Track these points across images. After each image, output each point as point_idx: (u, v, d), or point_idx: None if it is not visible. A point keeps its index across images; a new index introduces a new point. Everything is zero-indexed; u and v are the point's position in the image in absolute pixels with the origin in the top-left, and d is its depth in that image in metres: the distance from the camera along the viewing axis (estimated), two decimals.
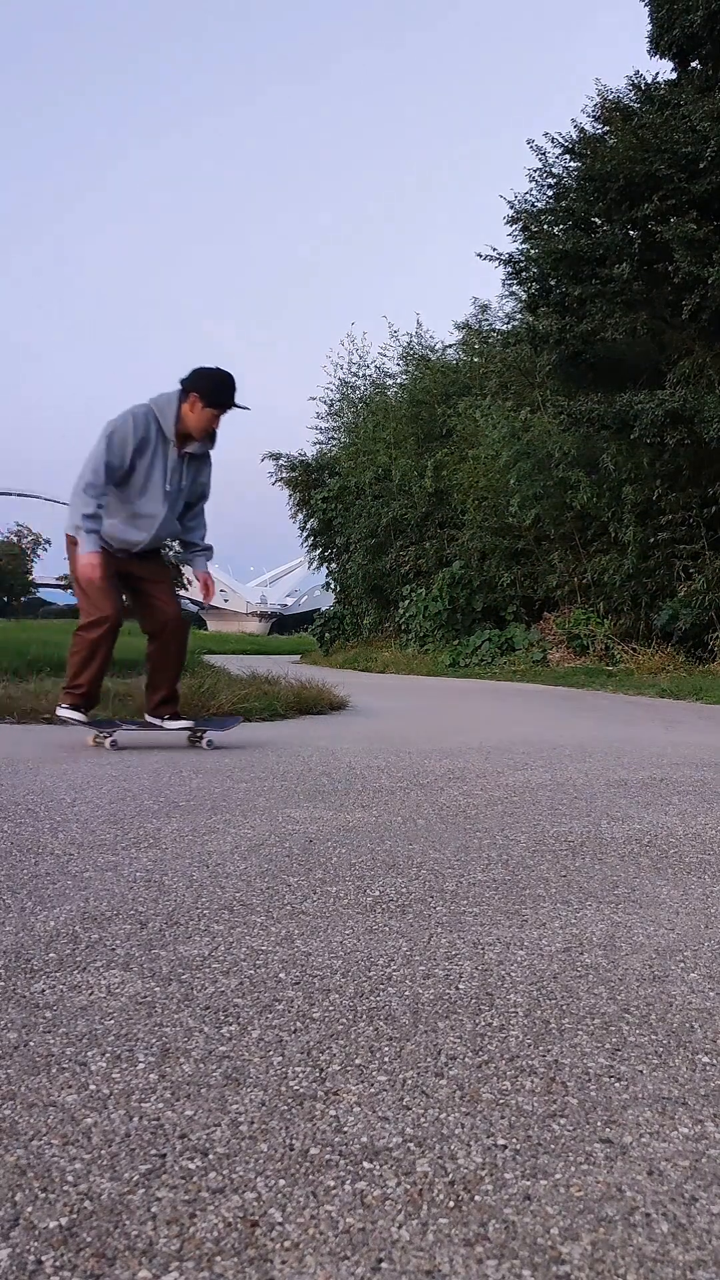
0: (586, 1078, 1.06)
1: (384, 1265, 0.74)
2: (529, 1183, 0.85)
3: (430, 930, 1.57)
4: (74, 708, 3.78)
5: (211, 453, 3.90)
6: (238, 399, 3.73)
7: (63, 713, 3.81)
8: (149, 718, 3.96)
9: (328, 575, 22.89)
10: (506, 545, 14.79)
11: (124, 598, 3.86)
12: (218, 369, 3.72)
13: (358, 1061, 1.08)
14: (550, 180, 11.82)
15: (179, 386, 3.68)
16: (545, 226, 11.75)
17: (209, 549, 4.02)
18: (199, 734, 3.94)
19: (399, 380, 20.76)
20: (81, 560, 3.57)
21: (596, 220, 11.36)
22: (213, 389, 3.62)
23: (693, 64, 11.84)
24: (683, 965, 1.43)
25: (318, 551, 22.83)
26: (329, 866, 1.99)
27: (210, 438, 3.77)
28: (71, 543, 3.70)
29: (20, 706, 4.84)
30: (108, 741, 3.76)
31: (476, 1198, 0.83)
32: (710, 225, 10.18)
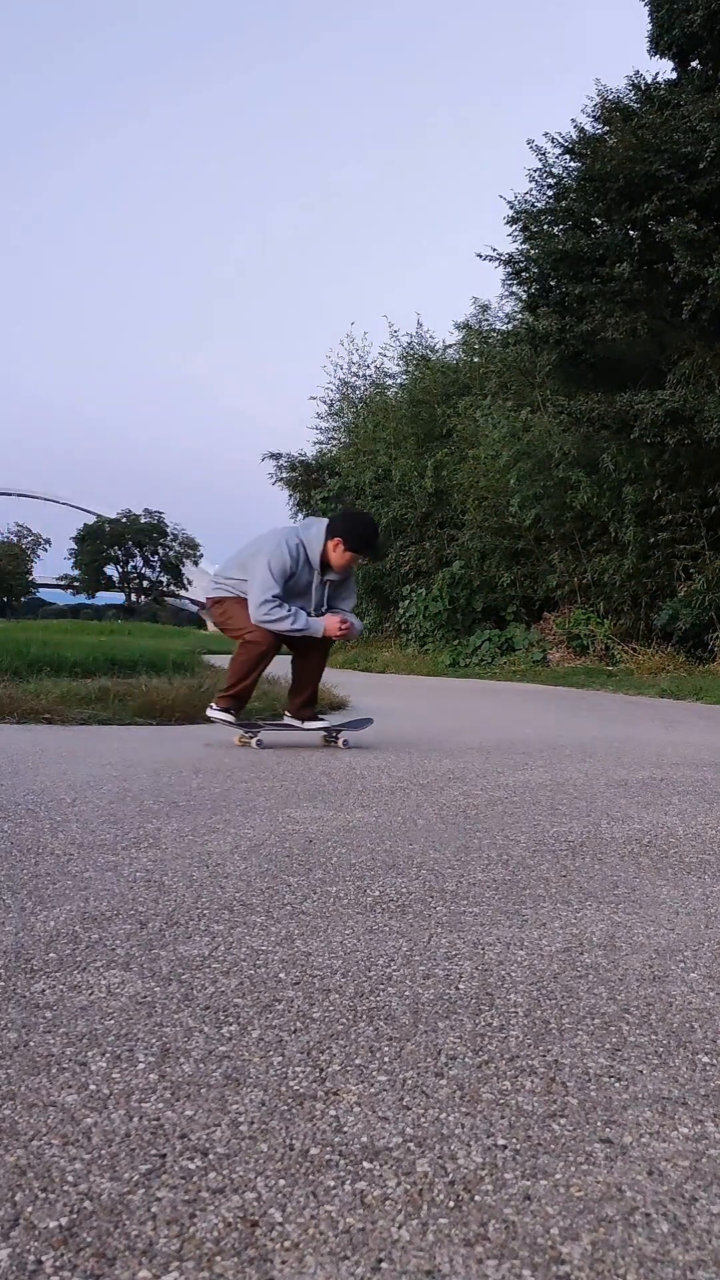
0: (586, 1078, 1.06)
1: (384, 1265, 0.74)
2: (529, 1183, 0.85)
3: (430, 930, 1.57)
4: (226, 710, 4.18)
5: (354, 570, 4.38)
6: (376, 545, 4.31)
7: (213, 713, 4.21)
8: (289, 719, 4.36)
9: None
10: (506, 545, 14.79)
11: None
12: (364, 519, 4.33)
13: (358, 1061, 1.08)
14: (550, 180, 11.82)
15: (327, 521, 4.17)
16: (545, 226, 11.74)
17: (357, 621, 4.35)
18: (334, 733, 4.27)
19: (399, 380, 20.77)
20: (331, 630, 4.09)
21: (596, 220, 11.36)
22: (356, 539, 4.09)
23: (693, 64, 11.85)
24: (683, 965, 1.43)
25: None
26: (329, 866, 1.99)
27: (347, 572, 4.25)
28: (215, 601, 4.27)
29: (20, 706, 4.84)
30: (253, 741, 4.12)
31: (476, 1198, 0.83)
32: (710, 225, 10.18)
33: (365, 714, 4.98)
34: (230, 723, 4.18)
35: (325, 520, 4.19)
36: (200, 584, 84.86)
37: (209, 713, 4.24)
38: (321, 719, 4.39)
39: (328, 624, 4.07)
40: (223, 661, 11.43)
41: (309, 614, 4.09)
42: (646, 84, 11.63)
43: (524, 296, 12.90)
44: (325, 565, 4.12)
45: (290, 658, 4.40)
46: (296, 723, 4.33)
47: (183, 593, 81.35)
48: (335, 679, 8.15)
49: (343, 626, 4.10)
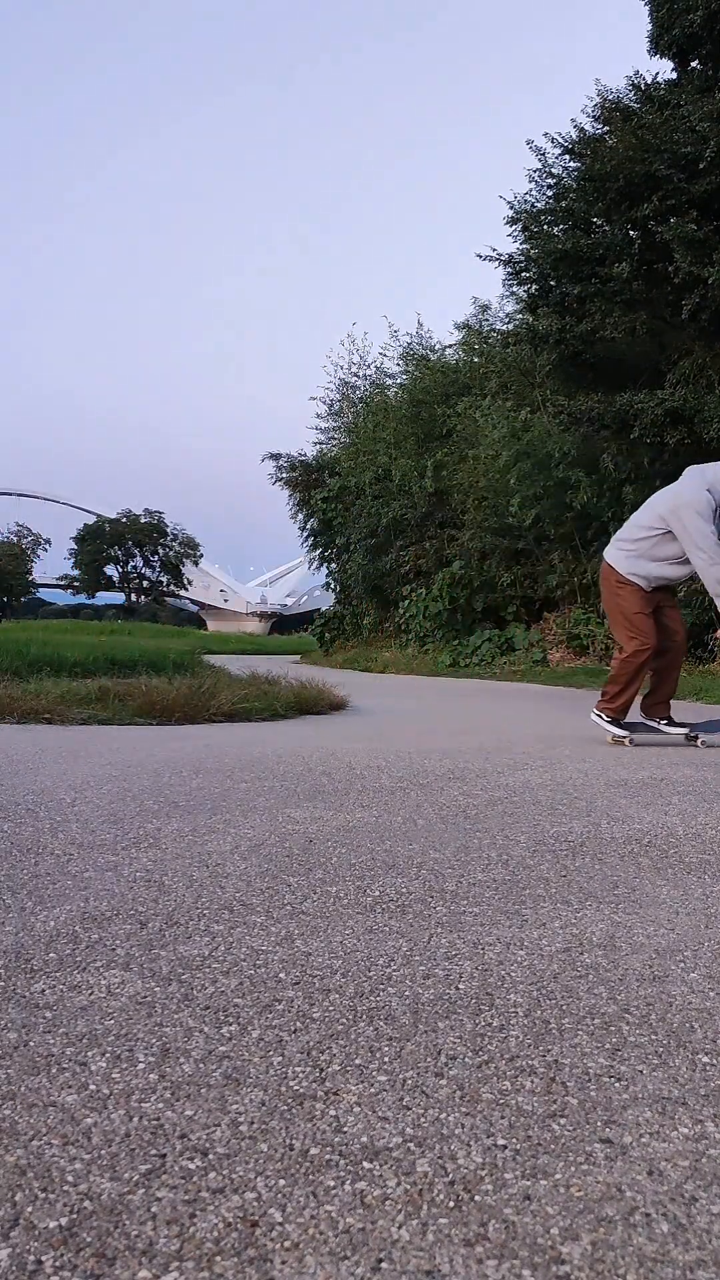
0: (586, 1078, 1.06)
1: (384, 1265, 0.74)
2: (529, 1183, 0.85)
3: (430, 930, 1.57)
4: (614, 721, 4.32)
5: None
6: None
7: (606, 725, 4.34)
8: (646, 719, 4.45)
9: (328, 575, 22.89)
10: (506, 545, 14.79)
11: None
12: None
13: (358, 1061, 1.08)
14: (550, 180, 11.82)
15: None
16: (545, 226, 11.74)
17: None
18: (694, 735, 4.33)
19: (399, 380, 20.76)
20: None
21: (596, 220, 11.36)
22: None
23: (693, 64, 11.84)
24: (683, 965, 1.43)
25: (318, 551, 22.82)
26: (329, 866, 1.99)
27: None
28: (615, 577, 4.26)
29: (20, 706, 4.84)
30: (627, 740, 4.28)
31: (476, 1198, 0.83)
32: (710, 225, 10.18)
33: (365, 714, 4.99)
34: (624, 739, 4.28)
35: None
36: (200, 584, 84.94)
37: (598, 722, 4.34)
38: (675, 721, 4.41)
39: None
40: (223, 661, 11.44)
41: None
42: (646, 84, 11.62)
43: (524, 296, 12.90)
44: None
45: (658, 661, 4.38)
46: (653, 723, 4.40)
47: (183, 593, 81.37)
48: (335, 679, 8.15)
49: None
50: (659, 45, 11.81)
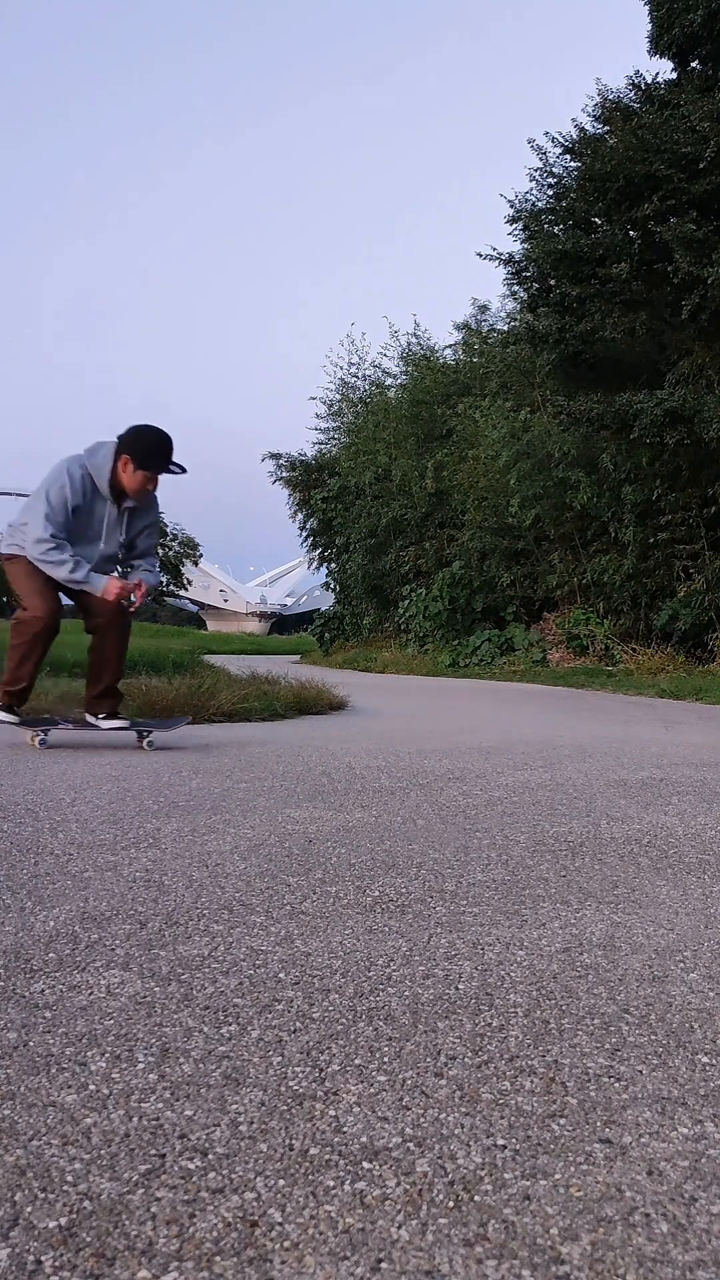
0: (586, 1078, 1.06)
1: (384, 1265, 0.74)
2: (529, 1183, 0.85)
3: (430, 930, 1.57)
4: (5, 707, 3.73)
5: (158, 499, 3.85)
6: (175, 460, 3.66)
7: None
8: (86, 716, 3.92)
9: (328, 575, 22.90)
10: (506, 545, 14.80)
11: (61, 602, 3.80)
12: (153, 430, 3.66)
13: (357, 1061, 1.08)
14: (551, 180, 11.83)
15: (114, 442, 3.64)
16: (545, 226, 11.75)
17: (151, 575, 3.90)
18: (143, 734, 3.86)
19: (399, 380, 20.77)
20: (110, 591, 3.61)
21: (596, 220, 11.37)
22: (145, 452, 3.59)
23: (693, 64, 11.85)
24: (683, 965, 1.43)
25: (318, 551, 22.83)
26: (329, 866, 1.99)
27: (145, 496, 3.73)
28: (8, 559, 3.71)
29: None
30: (36, 740, 3.70)
31: (476, 1198, 0.83)
32: (710, 225, 10.19)
33: (365, 714, 4.97)
34: (13, 722, 3.68)
35: (114, 439, 3.64)
36: (200, 584, 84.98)
37: None
38: (122, 717, 3.88)
39: (109, 585, 3.57)
40: (223, 661, 11.46)
41: (93, 570, 3.57)
42: (646, 84, 11.64)
43: (524, 296, 12.91)
44: (120, 492, 3.61)
45: (89, 642, 3.85)
46: (92, 720, 3.82)
47: (182, 593, 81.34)
48: (335, 679, 8.16)
49: (124, 589, 3.57)
50: (659, 45, 11.82)
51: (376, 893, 1.79)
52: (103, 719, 3.83)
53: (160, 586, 4.02)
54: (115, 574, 3.82)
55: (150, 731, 3.86)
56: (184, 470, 3.73)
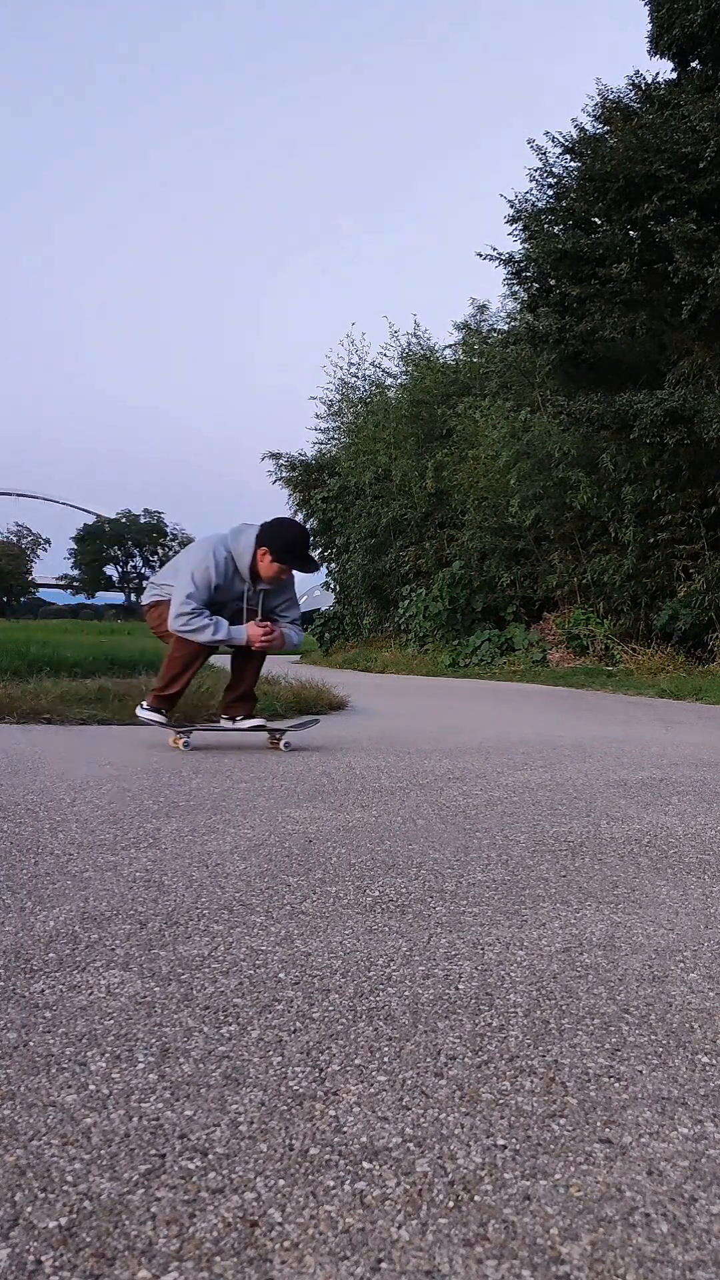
0: (586, 1078, 1.06)
1: (384, 1265, 0.74)
2: (529, 1183, 0.85)
3: (430, 930, 1.57)
4: (156, 709, 4.02)
5: (294, 579, 4.18)
6: (309, 557, 4.05)
7: (144, 713, 4.04)
8: (223, 719, 4.19)
9: (328, 575, 22.90)
10: (506, 545, 14.79)
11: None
12: (293, 528, 4.04)
13: (357, 1061, 1.08)
14: (551, 180, 11.83)
15: (257, 529, 3.98)
16: (545, 226, 11.75)
17: (294, 631, 4.21)
18: (276, 735, 4.12)
19: (399, 380, 20.77)
20: (254, 638, 3.93)
21: (596, 220, 11.37)
22: (284, 547, 3.92)
23: (693, 64, 11.85)
24: (683, 965, 1.43)
25: (317, 551, 22.81)
26: (329, 866, 1.99)
27: (279, 583, 4.07)
28: (149, 608, 4.11)
29: (20, 706, 4.84)
30: (181, 743, 3.98)
31: (476, 1198, 0.83)
32: (710, 225, 10.19)
33: (365, 714, 4.97)
34: (161, 723, 4.02)
35: (256, 526, 4.01)
36: None
37: (139, 712, 4.05)
38: (257, 719, 4.16)
39: (250, 633, 3.91)
40: (223, 662, 11.44)
41: (232, 622, 3.92)
42: (646, 84, 11.63)
43: (524, 296, 12.91)
44: (256, 575, 3.96)
45: (229, 656, 4.24)
46: (229, 722, 4.15)
47: None
48: (335, 679, 8.15)
49: (266, 637, 3.92)
50: (659, 45, 11.82)
51: (376, 893, 1.79)
52: (240, 720, 4.12)
53: (297, 645, 4.37)
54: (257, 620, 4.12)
55: (282, 732, 4.11)
56: (316, 568, 4.18)
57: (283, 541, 3.91)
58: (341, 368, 23.07)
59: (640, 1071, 1.08)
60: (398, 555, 18.13)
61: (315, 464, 22.58)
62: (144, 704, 4.06)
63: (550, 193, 11.87)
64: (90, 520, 77.63)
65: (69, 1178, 0.84)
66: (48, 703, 4.92)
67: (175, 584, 3.94)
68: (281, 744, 4.06)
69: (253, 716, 4.15)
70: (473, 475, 14.86)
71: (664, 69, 15.83)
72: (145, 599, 4.20)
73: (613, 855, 2.15)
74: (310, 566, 4.05)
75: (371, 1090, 1.02)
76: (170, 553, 75.91)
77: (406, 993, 1.29)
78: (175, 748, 3.96)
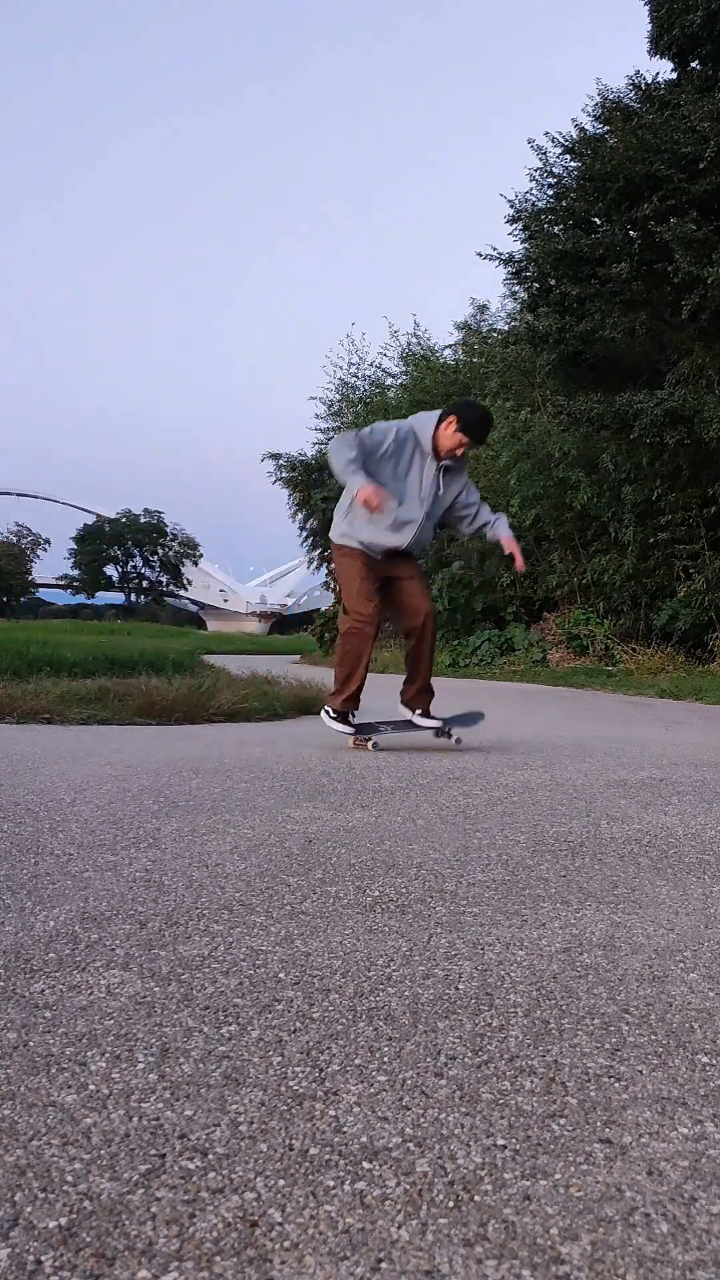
0: (586, 1078, 1.06)
1: (384, 1265, 0.74)
2: (529, 1183, 0.85)
3: (430, 930, 1.57)
4: (343, 715, 4.01)
5: (467, 467, 4.16)
6: (487, 436, 4.09)
7: (332, 724, 4.03)
8: (404, 712, 4.18)
9: (327, 575, 22.89)
10: None
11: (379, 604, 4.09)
12: (483, 409, 4.12)
13: (357, 1061, 1.08)
14: (551, 180, 11.83)
15: (439, 410, 3.99)
16: (545, 226, 11.76)
17: (499, 516, 4.17)
18: (446, 729, 4.13)
19: (399, 380, 20.77)
20: (363, 492, 3.75)
21: (596, 220, 11.37)
22: (472, 421, 3.93)
23: (693, 64, 11.85)
24: (683, 965, 1.43)
25: (318, 551, 22.81)
26: (329, 866, 1.99)
27: (454, 457, 4.01)
28: (338, 549, 4.05)
29: (20, 706, 4.84)
30: (369, 744, 3.97)
31: (476, 1198, 0.83)
32: (710, 225, 10.19)
33: (365, 714, 4.97)
34: (348, 733, 4.01)
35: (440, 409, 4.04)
36: (200, 584, 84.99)
37: (324, 720, 4.05)
38: (434, 716, 4.15)
39: (366, 489, 3.72)
40: (223, 661, 11.45)
41: (417, 525, 3.89)
42: (646, 84, 11.64)
43: (524, 296, 12.92)
44: (436, 449, 3.92)
45: (407, 645, 4.16)
46: (411, 716, 4.14)
47: (182, 593, 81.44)
48: None
49: (375, 497, 3.72)
50: (659, 45, 11.83)
51: (376, 893, 1.79)
52: (419, 715, 4.14)
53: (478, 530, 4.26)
54: (434, 535, 4.15)
55: (451, 727, 4.13)
56: (482, 445, 4.36)
57: (472, 415, 3.94)
58: (341, 368, 23.05)
59: (640, 1071, 1.08)
60: None
61: (315, 464, 22.58)
62: (328, 710, 4.06)
63: (550, 193, 11.88)
64: (90, 520, 77.63)
65: (69, 1178, 0.84)
66: (48, 703, 4.93)
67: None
68: (455, 740, 4.10)
69: (430, 713, 4.13)
70: (472, 475, 14.86)
71: (664, 69, 15.81)
72: (333, 535, 4.11)
73: (613, 855, 2.15)
74: (483, 442, 4.12)
75: (371, 1090, 1.02)
76: (170, 553, 75.94)
77: (406, 993, 1.29)
78: (361, 749, 3.95)
